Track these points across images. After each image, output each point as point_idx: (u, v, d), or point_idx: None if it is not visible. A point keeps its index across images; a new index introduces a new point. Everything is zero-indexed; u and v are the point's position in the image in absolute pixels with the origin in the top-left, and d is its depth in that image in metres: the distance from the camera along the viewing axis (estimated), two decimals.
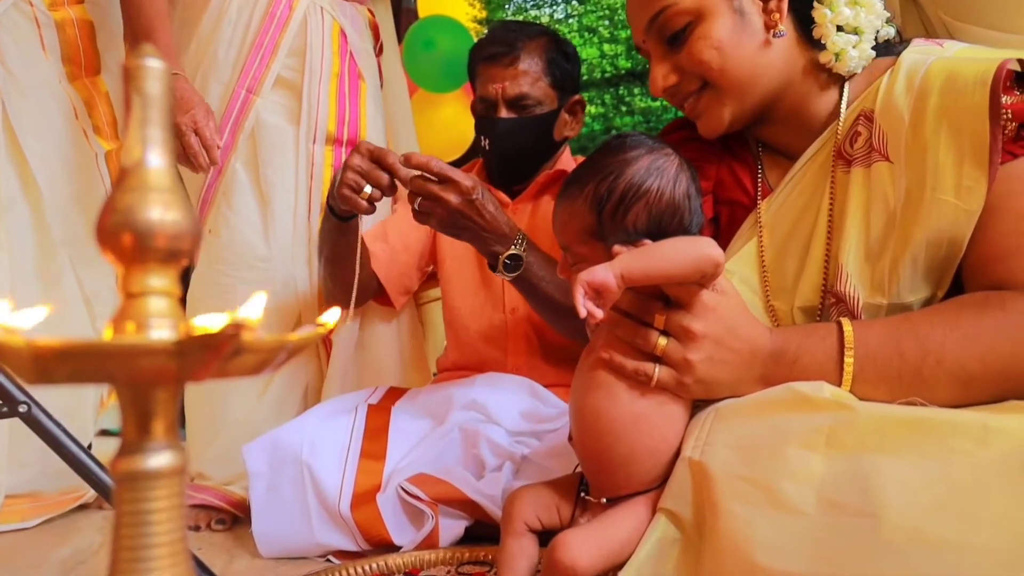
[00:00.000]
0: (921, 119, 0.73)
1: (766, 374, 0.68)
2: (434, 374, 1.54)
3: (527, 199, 1.36)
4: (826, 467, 0.56)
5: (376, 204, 1.03)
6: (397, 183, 1.01)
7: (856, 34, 0.84)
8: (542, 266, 1.06)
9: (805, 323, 0.80)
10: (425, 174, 0.97)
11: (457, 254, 1.38)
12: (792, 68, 0.84)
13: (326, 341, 1.40)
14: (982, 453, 0.54)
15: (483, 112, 1.31)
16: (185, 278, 1.97)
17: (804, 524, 0.55)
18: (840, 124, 0.82)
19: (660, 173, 0.70)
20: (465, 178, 0.97)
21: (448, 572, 0.91)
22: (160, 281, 0.34)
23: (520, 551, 0.70)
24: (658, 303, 0.68)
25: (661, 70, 0.84)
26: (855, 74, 0.84)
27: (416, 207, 0.99)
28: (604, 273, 0.61)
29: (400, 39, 2.10)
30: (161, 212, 0.33)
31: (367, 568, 0.89)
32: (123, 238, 0.33)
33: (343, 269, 1.22)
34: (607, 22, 1.92)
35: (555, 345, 1.29)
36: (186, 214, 0.34)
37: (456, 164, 2.21)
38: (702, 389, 0.67)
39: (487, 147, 1.31)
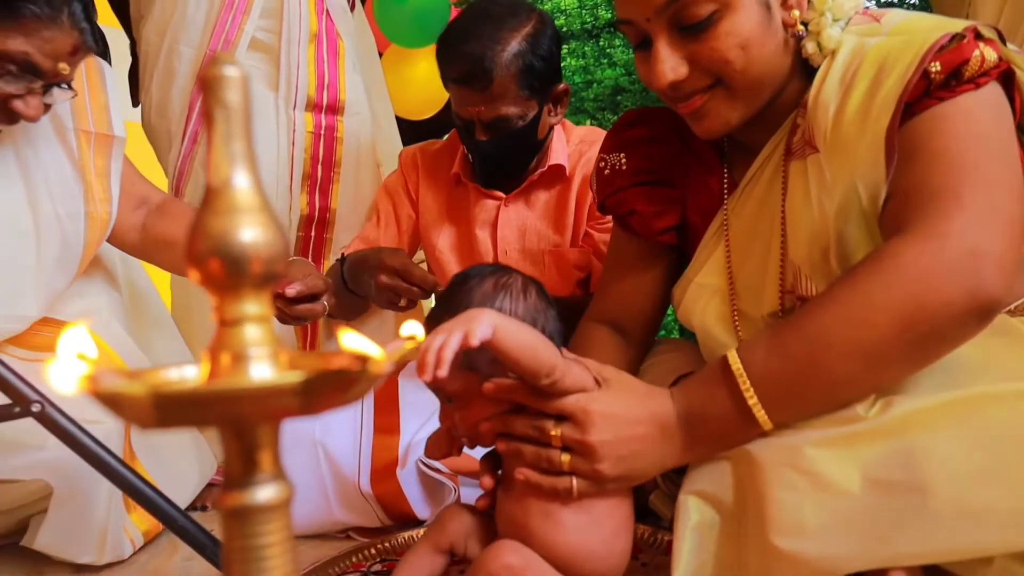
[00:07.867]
0: (843, 112, 0.70)
1: (688, 440, 0.66)
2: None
3: (519, 196, 1.33)
4: (868, 448, 0.57)
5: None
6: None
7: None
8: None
9: None
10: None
11: (447, 233, 1.38)
12: (789, 68, 0.76)
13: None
14: (1017, 419, 0.55)
15: (462, 127, 1.25)
16: None
17: (852, 504, 0.56)
18: (796, 116, 0.77)
19: (507, 290, 0.69)
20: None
21: None
22: (255, 308, 0.32)
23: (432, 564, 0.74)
24: (549, 421, 0.66)
25: (670, 61, 0.72)
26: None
27: None
28: (487, 323, 0.59)
29: None
30: (254, 235, 0.31)
31: (391, 544, 0.89)
32: (214, 264, 0.31)
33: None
34: None
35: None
36: (278, 235, 0.32)
37: (431, 123, 2.14)
38: (627, 483, 0.67)
39: (471, 158, 1.29)
